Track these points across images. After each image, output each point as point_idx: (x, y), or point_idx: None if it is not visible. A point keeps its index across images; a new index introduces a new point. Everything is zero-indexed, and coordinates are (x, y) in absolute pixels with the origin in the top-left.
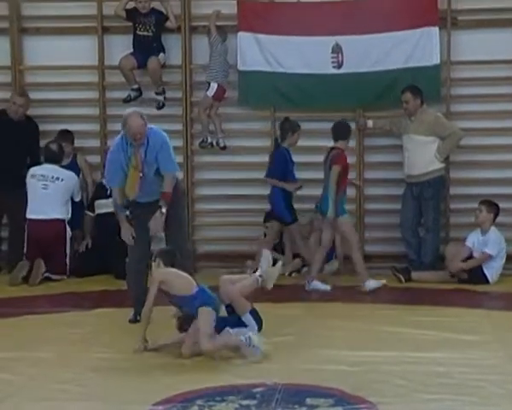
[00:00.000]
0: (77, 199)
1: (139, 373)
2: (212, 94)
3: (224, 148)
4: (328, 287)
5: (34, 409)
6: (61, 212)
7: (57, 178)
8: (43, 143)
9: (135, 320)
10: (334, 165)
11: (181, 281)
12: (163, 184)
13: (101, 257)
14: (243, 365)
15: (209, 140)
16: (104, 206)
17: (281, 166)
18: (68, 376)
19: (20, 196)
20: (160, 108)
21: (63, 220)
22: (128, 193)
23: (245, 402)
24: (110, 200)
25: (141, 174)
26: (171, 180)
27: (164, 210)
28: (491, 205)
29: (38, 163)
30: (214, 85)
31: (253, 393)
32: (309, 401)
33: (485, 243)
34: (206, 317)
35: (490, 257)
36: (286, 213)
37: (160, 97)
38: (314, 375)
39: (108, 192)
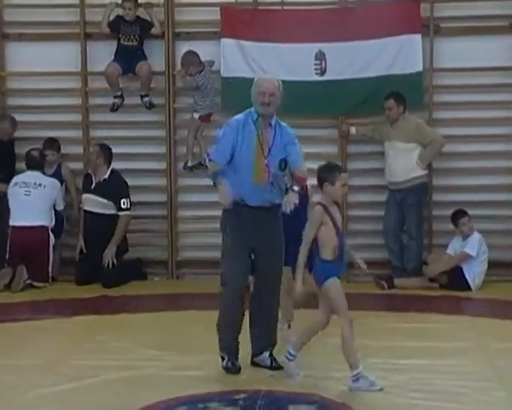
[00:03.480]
0: (59, 208)
1: (121, 381)
2: (198, 117)
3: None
4: None
5: None
6: (45, 219)
7: (39, 185)
8: (26, 149)
9: (230, 367)
10: None
11: None
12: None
13: (93, 265)
14: (226, 372)
15: (189, 164)
16: (88, 202)
17: None
18: (48, 384)
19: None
20: (150, 107)
21: (46, 227)
22: (256, 178)
23: (227, 409)
24: (93, 196)
25: (266, 161)
26: (304, 170)
27: (296, 189)
28: (467, 214)
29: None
30: (197, 115)
31: (236, 400)
32: (291, 408)
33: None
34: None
35: (469, 257)
36: None
37: (147, 98)
38: (297, 382)
39: (93, 186)
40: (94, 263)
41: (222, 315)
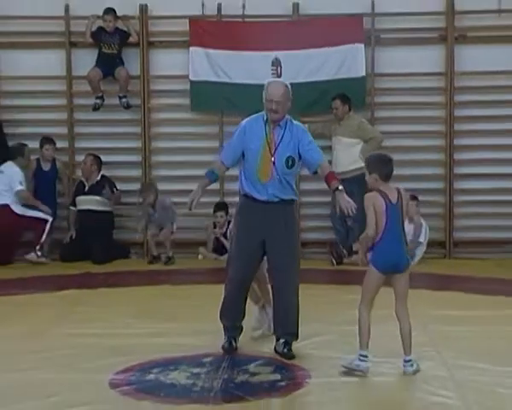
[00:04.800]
0: (17, 188)
1: (101, 346)
2: (172, 230)
3: None
4: None
5: (5, 379)
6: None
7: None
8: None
9: (226, 347)
10: None
11: None
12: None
13: (83, 246)
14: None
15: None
16: (83, 202)
17: None
18: (38, 348)
19: None
20: (127, 107)
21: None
22: (260, 175)
23: (195, 370)
24: (88, 197)
25: (272, 159)
26: (327, 165)
27: (341, 187)
28: (415, 198)
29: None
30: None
31: (203, 362)
32: (252, 367)
33: (411, 230)
34: None
35: (419, 244)
36: None
37: (125, 99)
38: (259, 348)
39: (86, 189)
40: (82, 244)
41: (223, 301)
